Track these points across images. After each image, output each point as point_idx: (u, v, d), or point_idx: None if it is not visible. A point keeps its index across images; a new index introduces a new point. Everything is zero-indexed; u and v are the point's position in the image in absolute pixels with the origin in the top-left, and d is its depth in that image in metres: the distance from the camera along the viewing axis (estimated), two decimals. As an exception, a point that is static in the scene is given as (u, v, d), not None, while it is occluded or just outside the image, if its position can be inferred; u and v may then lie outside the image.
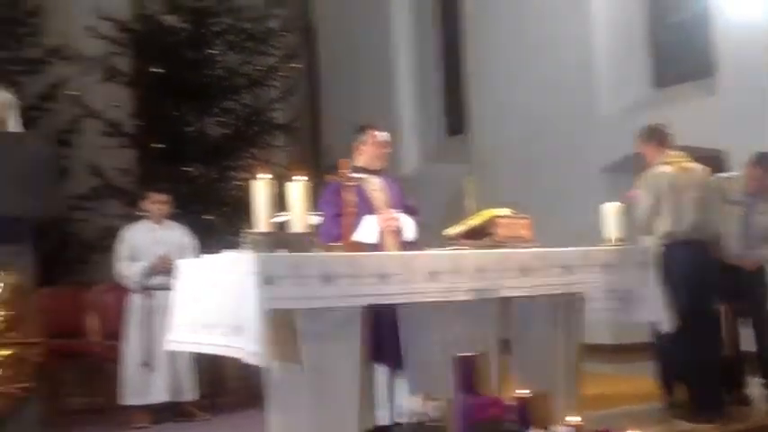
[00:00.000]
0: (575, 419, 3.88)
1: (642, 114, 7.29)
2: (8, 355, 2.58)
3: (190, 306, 3.82)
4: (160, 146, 8.37)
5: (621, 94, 8.20)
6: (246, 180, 8.81)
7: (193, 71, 8.47)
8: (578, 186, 7.89)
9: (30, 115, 8.46)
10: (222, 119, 8.80)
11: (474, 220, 4.24)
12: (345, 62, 9.56)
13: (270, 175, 3.66)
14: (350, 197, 4.04)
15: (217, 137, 8.75)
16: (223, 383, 6.56)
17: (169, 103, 8.61)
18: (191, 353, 5.39)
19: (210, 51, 8.54)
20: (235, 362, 6.37)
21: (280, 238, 3.55)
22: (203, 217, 7.97)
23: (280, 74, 8.89)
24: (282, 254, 3.47)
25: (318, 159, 9.20)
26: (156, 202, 5.90)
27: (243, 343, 3.35)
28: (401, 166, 8.90)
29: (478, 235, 4.21)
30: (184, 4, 8.50)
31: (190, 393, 5.89)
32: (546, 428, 3.96)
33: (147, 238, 5.87)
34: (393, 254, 4.00)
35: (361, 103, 9.22)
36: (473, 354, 3.94)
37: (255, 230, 3.54)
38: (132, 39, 8.67)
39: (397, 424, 3.84)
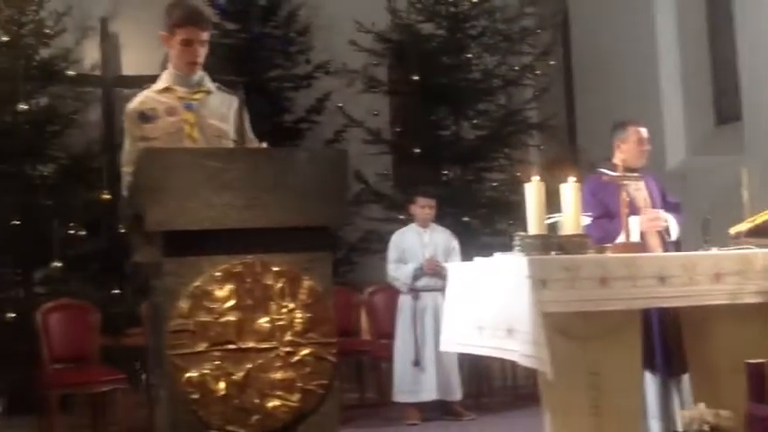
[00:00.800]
0: None
1: None
2: (308, 354, 2.77)
3: (461, 308, 3.89)
4: (417, 151, 8.60)
5: None
6: (502, 181, 8.83)
7: (449, 76, 8.63)
8: None
9: (299, 127, 9.14)
10: (477, 121, 8.88)
11: (763, 217, 3.93)
12: (601, 54, 9.23)
13: (539, 177, 3.63)
14: (624, 197, 3.91)
15: (472, 139, 8.85)
16: (488, 384, 6.63)
17: (425, 109, 8.84)
18: (457, 353, 5.50)
19: (467, 55, 8.65)
20: (499, 362, 6.46)
21: (554, 241, 3.51)
22: (462, 219, 8.10)
23: (535, 72, 8.80)
24: (557, 256, 3.43)
25: (575, 157, 8.99)
26: (425, 206, 6.08)
27: (517, 346, 3.36)
28: (666, 160, 8.44)
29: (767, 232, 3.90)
30: (441, 10, 8.68)
31: (457, 393, 6.00)
32: None
33: (415, 242, 6.06)
34: (673, 255, 3.82)
35: (620, 96, 8.87)
36: (765, 360, 3.64)
37: (528, 233, 3.53)
38: (390, 49, 9.00)
39: (679, 434, 3.65)
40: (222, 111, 3.11)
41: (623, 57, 9.00)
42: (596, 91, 9.34)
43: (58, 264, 6.64)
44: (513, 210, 8.63)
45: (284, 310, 2.74)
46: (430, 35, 8.75)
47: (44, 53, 7.37)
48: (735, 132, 8.17)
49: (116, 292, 7.56)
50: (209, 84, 3.27)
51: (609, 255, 3.62)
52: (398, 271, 6.00)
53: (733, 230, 3.99)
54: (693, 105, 8.89)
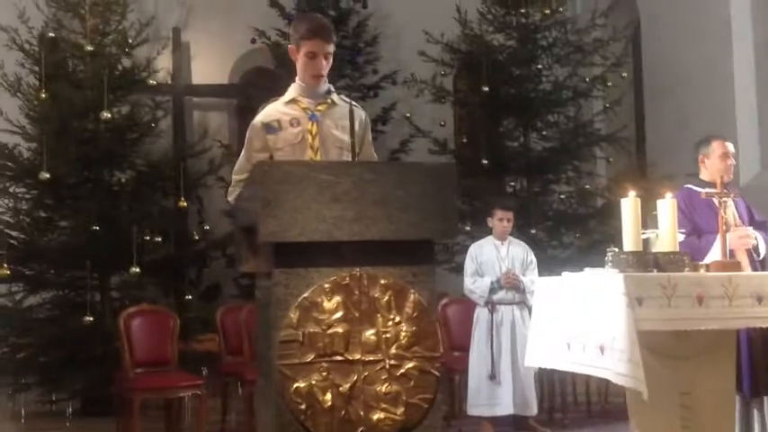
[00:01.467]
0: None
1: None
2: (412, 368, 2.78)
3: (548, 323, 3.84)
4: (483, 162, 8.58)
5: None
6: (570, 193, 8.68)
7: (519, 87, 8.59)
8: None
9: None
10: (545, 132, 8.81)
11: None
12: (673, 65, 9.09)
13: (634, 192, 3.58)
14: (723, 214, 3.84)
15: (539, 150, 8.79)
16: (563, 399, 6.55)
17: (493, 120, 8.81)
18: (535, 368, 5.44)
19: (537, 66, 8.60)
20: (571, 377, 6.37)
21: (649, 258, 3.46)
22: (528, 231, 8.04)
23: (607, 84, 8.71)
24: (653, 274, 3.38)
25: (644, 170, 8.87)
26: (503, 218, 6.03)
27: (610, 364, 3.30)
28: (740, 174, 8.27)
29: None
30: (512, 21, 8.65)
31: (533, 408, 5.93)
32: None
33: (492, 255, 6.01)
34: (773, 274, 3.73)
35: (691, 109, 8.73)
36: None
37: (624, 250, 3.49)
38: (459, 59, 9.00)
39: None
40: (344, 122, 3.12)
41: (696, 68, 8.85)
42: (667, 103, 9.20)
43: (136, 269, 6.75)
44: (580, 222, 8.56)
45: (390, 323, 2.75)
46: (500, 46, 8.72)
47: (125, 62, 7.54)
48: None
49: (188, 298, 7.67)
50: (335, 95, 3.29)
51: (705, 273, 3.55)
52: (476, 284, 5.96)
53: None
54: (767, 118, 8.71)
